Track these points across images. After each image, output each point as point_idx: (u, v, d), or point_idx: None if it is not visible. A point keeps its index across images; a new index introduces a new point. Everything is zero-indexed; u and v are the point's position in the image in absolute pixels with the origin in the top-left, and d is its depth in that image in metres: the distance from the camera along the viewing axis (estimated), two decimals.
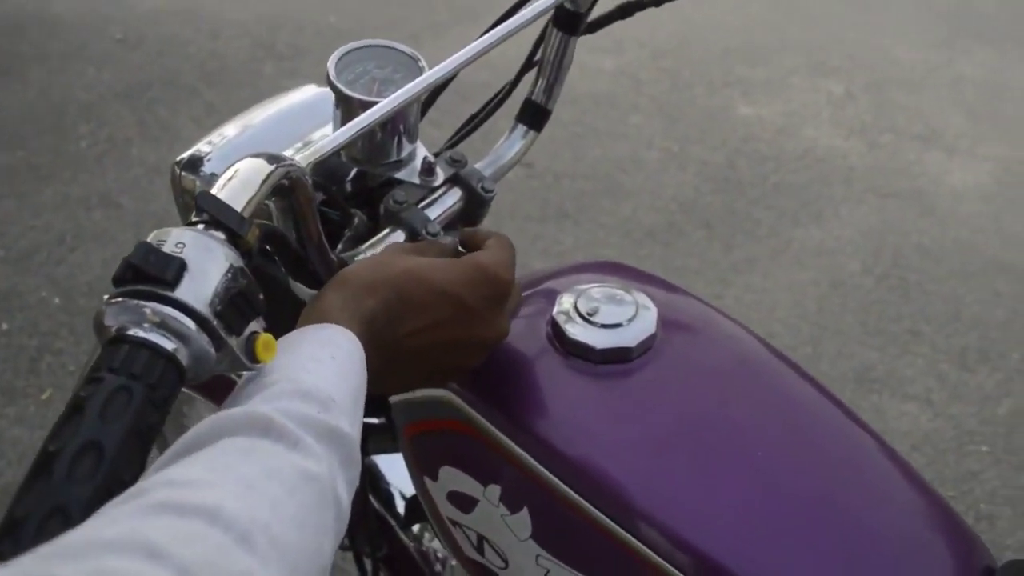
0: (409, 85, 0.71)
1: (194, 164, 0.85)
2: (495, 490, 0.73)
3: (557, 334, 0.74)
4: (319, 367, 0.55)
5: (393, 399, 0.81)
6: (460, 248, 0.75)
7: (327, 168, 0.79)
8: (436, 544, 1.10)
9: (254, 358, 0.53)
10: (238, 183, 0.57)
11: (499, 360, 0.74)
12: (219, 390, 1.03)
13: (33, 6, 3.65)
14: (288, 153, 0.63)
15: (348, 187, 0.81)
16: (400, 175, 0.80)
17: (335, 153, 0.79)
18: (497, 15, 0.81)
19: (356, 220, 0.79)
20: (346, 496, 0.51)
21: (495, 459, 0.72)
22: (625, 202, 2.84)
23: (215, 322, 0.50)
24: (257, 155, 0.59)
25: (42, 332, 2.25)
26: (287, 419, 0.49)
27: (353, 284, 0.63)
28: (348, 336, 0.58)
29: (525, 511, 0.71)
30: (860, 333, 2.43)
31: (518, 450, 0.70)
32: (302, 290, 0.74)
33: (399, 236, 0.75)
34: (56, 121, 3.00)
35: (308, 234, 0.66)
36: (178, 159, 0.86)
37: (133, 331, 0.48)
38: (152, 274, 0.49)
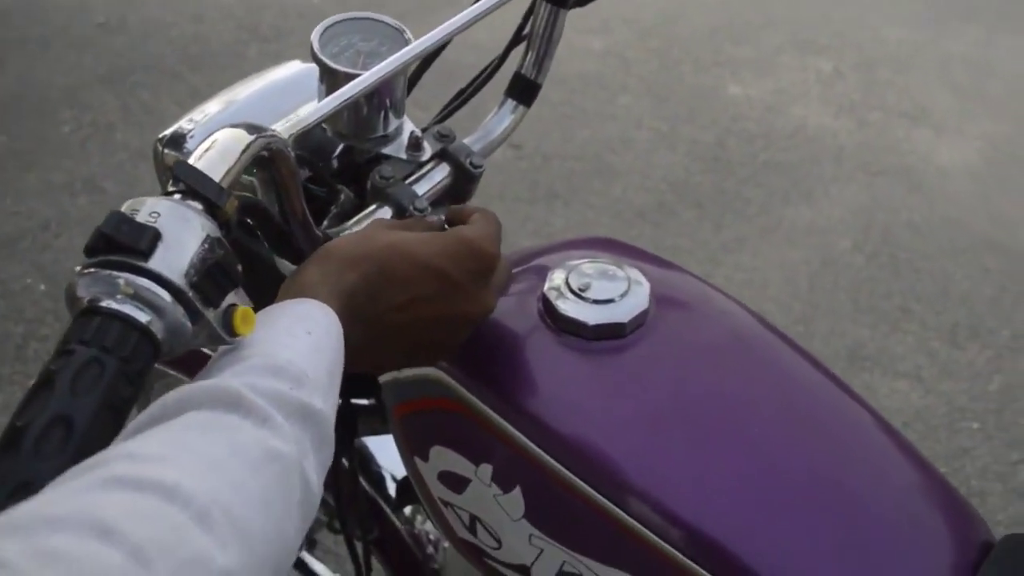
0: (394, 56, 0.70)
1: (176, 141, 0.83)
2: (487, 469, 0.72)
3: (548, 310, 0.73)
4: (294, 342, 0.53)
5: (382, 379, 0.80)
6: (446, 226, 0.73)
7: (314, 144, 0.78)
8: (428, 526, 1.09)
9: (232, 331, 0.51)
10: (216, 153, 0.55)
11: (490, 338, 0.73)
12: (196, 366, 1.01)
13: None
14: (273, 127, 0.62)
15: (335, 163, 0.80)
16: (387, 150, 0.78)
17: (321, 129, 0.78)
18: None
19: (343, 196, 0.77)
20: (316, 477, 0.49)
21: (486, 438, 0.71)
22: (615, 182, 2.83)
23: (191, 293, 0.49)
24: (237, 125, 0.57)
25: (28, 319, 2.23)
26: (257, 395, 0.48)
27: (335, 258, 0.61)
28: (326, 311, 0.57)
29: (518, 490, 0.70)
30: (851, 311, 2.43)
31: (510, 428, 0.69)
32: (287, 266, 0.73)
33: (386, 212, 0.74)
34: (38, 106, 2.96)
35: (291, 208, 0.65)
36: (160, 136, 0.84)
37: (106, 303, 0.47)
38: (124, 243, 0.48)
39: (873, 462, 0.70)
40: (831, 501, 0.66)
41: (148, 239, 0.48)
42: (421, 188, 0.77)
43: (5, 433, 0.43)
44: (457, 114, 0.90)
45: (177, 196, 0.52)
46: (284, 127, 0.63)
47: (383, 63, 0.69)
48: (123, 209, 0.50)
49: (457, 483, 0.75)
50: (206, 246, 0.50)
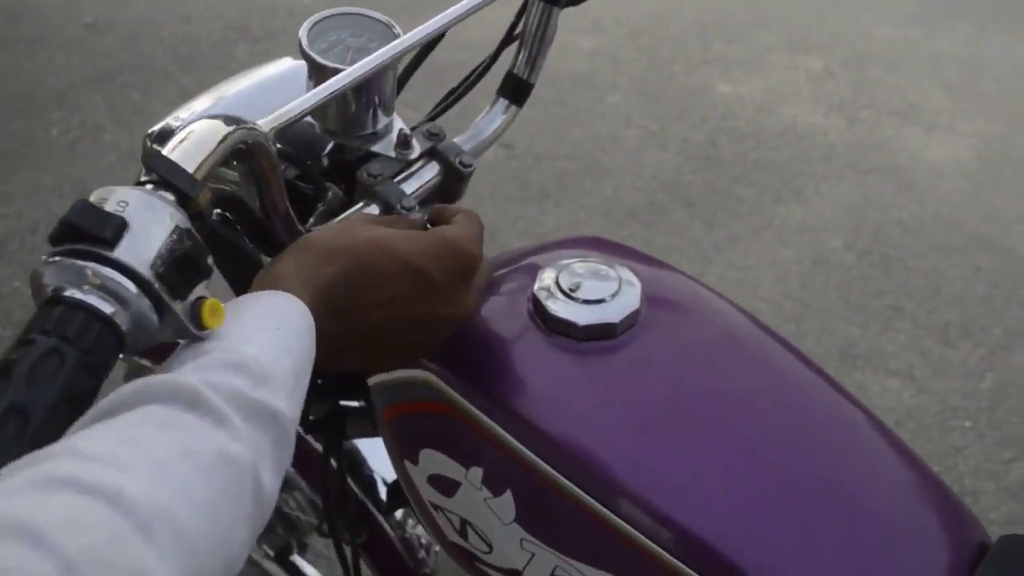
0: (381, 50, 0.69)
1: (164, 136, 0.82)
2: (477, 473, 0.71)
3: (538, 311, 0.72)
4: (261, 337, 0.51)
5: (372, 381, 0.79)
6: (429, 225, 0.73)
7: (303, 141, 0.77)
8: (420, 530, 1.08)
9: (200, 324, 0.50)
10: (191, 144, 0.54)
11: (479, 339, 0.72)
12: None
13: None
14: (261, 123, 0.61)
15: (325, 161, 0.79)
16: (376, 148, 0.77)
17: (311, 126, 0.77)
18: None
19: (330, 194, 0.76)
20: (270, 481, 0.48)
21: (477, 441, 0.70)
22: (606, 182, 2.82)
23: (157, 284, 0.48)
24: (215, 117, 0.56)
25: (16, 322, 2.21)
26: (216, 393, 0.46)
27: (313, 250, 0.60)
28: (297, 305, 0.55)
29: (508, 494, 0.69)
30: (843, 309, 2.42)
31: (500, 431, 0.68)
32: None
33: (373, 210, 0.73)
34: (26, 108, 2.94)
35: (273, 203, 0.64)
36: (149, 131, 0.84)
37: (69, 292, 0.46)
38: (89, 232, 0.47)
39: (866, 462, 0.69)
40: (824, 502, 0.65)
41: (113, 228, 0.47)
42: (410, 187, 0.76)
43: None
44: (447, 114, 0.89)
45: (149, 186, 0.51)
46: (265, 120, 0.62)
47: (368, 57, 0.68)
48: (91, 198, 0.49)
49: (447, 486, 0.74)
50: (174, 237, 0.49)
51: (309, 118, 0.78)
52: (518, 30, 0.85)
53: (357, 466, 1.07)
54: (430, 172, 0.78)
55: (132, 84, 3.07)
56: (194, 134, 0.55)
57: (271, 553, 1.37)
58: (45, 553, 0.35)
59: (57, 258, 0.47)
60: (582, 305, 0.71)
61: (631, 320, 0.71)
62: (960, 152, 3.09)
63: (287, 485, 1.21)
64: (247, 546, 0.46)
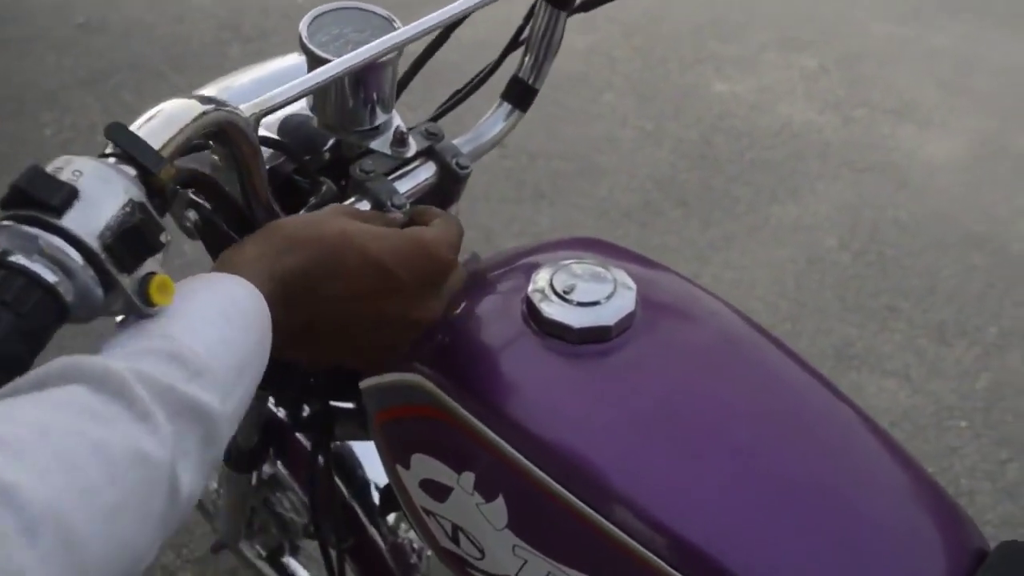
0: (376, 42, 0.68)
1: None
2: (469, 478, 0.70)
3: (532, 313, 0.71)
4: (204, 327, 0.50)
5: (363, 384, 0.78)
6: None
7: (305, 136, 0.77)
8: (412, 535, 1.07)
9: (148, 300, 0.49)
10: (158, 122, 0.54)
11: (472, 341, 0.71)
12: None
13: None
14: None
15: (326, 156, 0.78)
16: (374, 145, 0.77)
17: (311, 121, 0.76)
18: None
19: (324, 188, 0.75)
20: (190, 480, 0.46)
21: (469, 445, 0.69)
22: (601, 181, 2.81)
23: (103, 255, 0.47)
24: (189, 96, 0.56)
25: None
26: (143, 385, 0.45)
27: (279, 235, 0.58)
28: (251, 293, 0.53)
29: (500, 499, 0.68)
30: (839, 309, 2.42)
31: (492, 436, 0.67)
32: None
33: (365, 206, 0.72)
34: (18, 108, 2.93)
35: (253, 188, 0.63)
36: None
37: (14, 257, 0.45)
38: (37, 198, 0.46)
39: (863, 467, 0.69)
40: (820, 506, 0.64)
41: (62, 195, 0.47)
42: (404, 185, 0.75)
43: None
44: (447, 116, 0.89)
45: (113, 160, 0.51)
46: (248, 105, 0.61)
47: (360, 49, 0.68)
48: (48, 167, 0.48)
49: (439, 491, 0.73)
50: (127, 209, 0.48)
51: (310, 113, 0.77)
52: (524, 35, 0.84)
53: (350, 470, 1.06)
54: (426, 172, 0.78)
55: (125, 85, 3.06)
56: (164, 112, 0.55)
57: (263, 553, 1.37)
58: None
59: (6, 223, 0.46)
60: (576, 307, 0.70)
61: (626, 323, 0.70)
62: (955, 149, 3.08)
63: (280, 485, 1.20)
64: (152, 551, 0.44)
